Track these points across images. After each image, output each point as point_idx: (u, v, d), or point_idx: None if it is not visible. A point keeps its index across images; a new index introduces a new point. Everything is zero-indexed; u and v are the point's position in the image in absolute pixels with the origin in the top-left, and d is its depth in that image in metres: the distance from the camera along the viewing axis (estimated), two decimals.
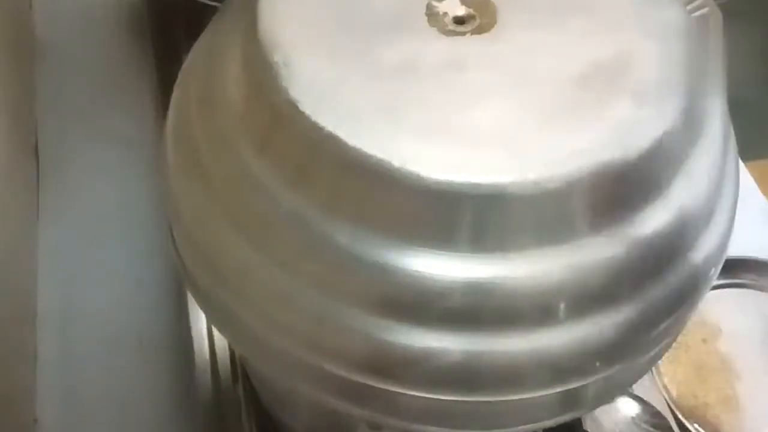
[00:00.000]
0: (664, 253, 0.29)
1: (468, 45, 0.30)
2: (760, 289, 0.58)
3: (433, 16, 0.31)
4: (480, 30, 0.30)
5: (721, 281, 0.56)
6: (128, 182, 0.65)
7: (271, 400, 0.46)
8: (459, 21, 0.31)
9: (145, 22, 0.73)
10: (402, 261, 0.27)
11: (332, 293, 0.28)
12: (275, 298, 0.29)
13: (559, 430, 0.34)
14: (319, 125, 0.27)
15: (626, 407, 0.42)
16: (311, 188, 0.28)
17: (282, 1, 0.30)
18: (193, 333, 0.51)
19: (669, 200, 0.28)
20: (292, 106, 0.27)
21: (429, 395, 0.28)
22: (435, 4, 0.31)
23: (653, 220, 0.28)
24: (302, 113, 0.27)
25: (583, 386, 0.29)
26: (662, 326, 0.30)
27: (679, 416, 0.51)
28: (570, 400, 0.30)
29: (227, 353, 0.50)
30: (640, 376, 0.33)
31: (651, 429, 0.42)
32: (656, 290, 0.29)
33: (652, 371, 0.51)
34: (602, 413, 0.40)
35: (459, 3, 0.31)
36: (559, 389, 0.29)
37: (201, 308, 0.33)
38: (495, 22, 0.31)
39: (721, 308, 0.56)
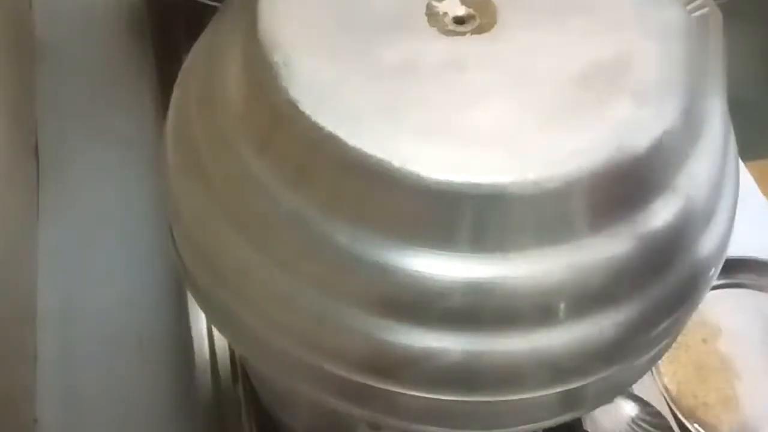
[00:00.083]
0: (664, 253, 0.29)
1: (468, 45, 0.30)
2: (760, 289, 0.58)
3: (433, 16, 0.31)
4: (480, 30, 0.30)
5: (721, 281, 0.56)
6: (128, 182, 0.65)
7: (271, 400, 0.46)
8: (459, 21, 0.31)
9: (145, 22, 0.73)
10: (402, 261, 0.27)
11: (332, 293, 0.28)
12: (275, 298, 0.29)
13: (559, 430, 0.34)
14: (319, 125, 0.27)
15: (626, 407, 0.42)
16: (311, 188, 0.28)
17: (282, 1, 0.30)
18: (193, 333, 0.51)
19: (669, 200, 0.28)
20: (292, 106, 0.27)
21: (429, 395, 0.28)
22: (435, 4, 0.31)
23: (653, 220, 0.28)
24: (302, 113, 0.27)
25: (583, 386, 0.29)
26: (662, 326, 0.30)
27: (679, 416, 0.51)
28: (570, 400, 0.30)
29: (227, 353, 0.50)
30: (640, 376, 0.33)
31: (651, 429, 0.42)
32: (656, 290, 0.29)
33: (652, 371, 0.51)
34: (602, 413, 0.40)
35: (459, 3, 0.31)
36: (559, 389, 0.29)
37: (201, 308, 0.33)
38: (495, 22, 0.31)
39: (721, 308, 0.56)
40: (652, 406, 0.43)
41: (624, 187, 0.27)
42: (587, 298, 0.27)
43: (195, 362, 0.50)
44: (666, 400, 0.51)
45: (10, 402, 0.53)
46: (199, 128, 0.31)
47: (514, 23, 0.31)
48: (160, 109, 0.62)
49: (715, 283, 0.31)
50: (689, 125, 0.29)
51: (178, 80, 0.34)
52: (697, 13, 0.32)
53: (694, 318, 0.33)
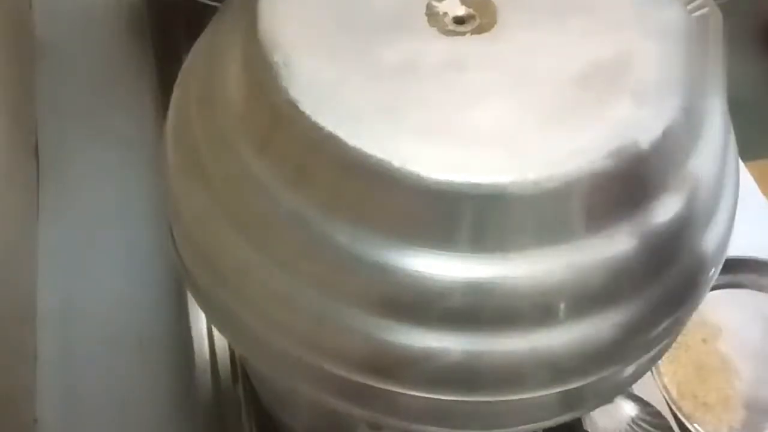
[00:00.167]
0: (664, 253, 0.29)
1: (468, 45, 0.30)
2: (760, 289, 0.58)
3: (433, 16, 0.31)
4: (480, 30, 0.30)
5: (721, 281, 0.55)
6: (128, 182, 0.65)
7: (271, 400, 0.46)
8: (459, 21, 0.31)
9: (145, 22, 0.73)
10: (402, 261, 0.27)
11: (332, 293, 0.28)
12: (275, 298, 0.29)
13: (559, 430, 0.34)
14: (319, 125, 0.27)
15: (626, 407, 0.42)
16: (311, 188, 0.28)
17: (282, 1, 0.30)
18: (193, 333, 0.51)
19: (669, 200, 0.28)
20: (292, 106, 0.27)
21: (429, 395, 0.28)
22: (435, 4, 0.31)
23: (653, 220, 0.28)
24: (302, 113, 0.27)
25: (583, 386, 0.29)
26: (662, 326, 0.30)
27: (679, 416, 0.51)
28: (570, 400, 0.30)
29: (227, 353, 0.50)
30: (640, 376, 0.33)
31: (651, 429, 0.42)
32: (656, 290, 0.29)
33: (652, 371, 0.51)
34: (602, 413, 0.40)
35: (459, 3, 0.31)
36: (559, 389, 0.29)
37: (201, 308, 0.33)
38: (495, 22, 0.31)
39: (721, 308, 0.56)
40: (652, 406, 0.43)
41: (624, 187, 0.27)
42: (587, 298, 0.27)
43: (195, 362, 0.50)
44: (666, 400, 0.51)
45: (10, 402, 0.53)
46: (199, 128, 0.31)
47: (514, 23, 0.31)
48: (160, 109, 0.62)
49: (715, 283, 0.31)
50: (689, 125, 0.29)
51: (178, 80, 0.34)
52: (697, 13, 0.32)
53: (694, 318, 0.33)
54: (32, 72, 0.72)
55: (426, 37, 0.30)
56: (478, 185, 0.26)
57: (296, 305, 0.28)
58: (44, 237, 0.63)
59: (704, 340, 0.55)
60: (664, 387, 0.52)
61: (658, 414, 0.43)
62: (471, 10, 0.31)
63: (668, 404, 0.51)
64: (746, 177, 0.60)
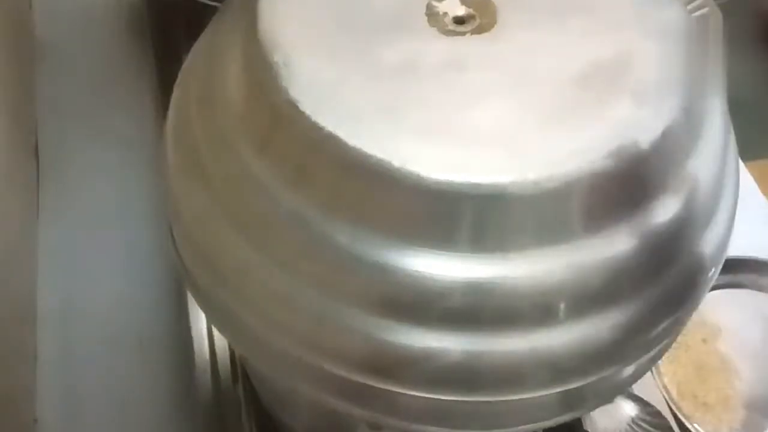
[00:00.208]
0: (664, 253, 0.29)
1: (468, 45, 0.30)
2: (760, 289, 0.58)
3: (433, 16, 0.31)
4: (480, 30, 0.30)
5: (721, 281, 0.55)
6: (128, 182, 0.65)
7: (271, 400, 0.46)
8: (459, 21, 0.31)
9: (145, 22, 0.73)
10: (402, 261, 0.27)
11: (332, 293, 0.28)
12: (275, 298, 0.29)
13: (559, 430, 0.34)
14: (319, 125, 0.27)
15: (626, 407, 0.42)
16: (311, 188, 0.28)
17: (282, 1, 0.30)
18: (193, 333, 0.51)
19: (669, 200, 0.28)
20: (292, 106, 0.27)
21: (429, 395, 0.28)
22: (435, 4, 0.31)
23: (653, 220, 0.28)
24: (302, 113, 0.27)
25: (583, 386, 0.29)
26: (662, 326, 0.30)
27: (679, 416, 0.51)
28: (570, 400, 0.30)
29: (227, 353, 0.50)
30: (640, 376, 0.33)
31: (651, 429, 0.42)
32: (656, 290, 0.29)
33: (652, 371, 0.51)
34: (602, 413, 0.40)
35: (459, 3, 0.31)
36: (559, 389, 0.29)
37: (201, 308, 0.33)
38: (495, 22, 0.31)
39: (721, 308, 0.56)
40: (652, 406, 0.43)
41: (624, 187, 0.27)
42: (587, 298, 0.27)
43: (195, 362, 0.50)
44: (666, 400, 0.51)
45: (10, 402, 0.53)
46: (199, 128, 0.31)
47: (514, 23, 0.31)
48: (160, 109, 0.62)
49: (715, 283, 0.31)
50: (689, 125, 0.29)
51: (178, 80, 0.34)
52: (697, 13, 0.32)
53: (694, 318, 0.33)
54: (32, 72, 0.72)
55: (426, 37, 0.30)
56: (478, 185, 0.26)
57: (296, 305, 0.28)
58: (44, 237, 0.63)
59: (704, 340, 0.55)
60: (664, 387, 0.52)
61: (658, 414, 0.43)
62: (471, 10, 0.31)
63: (668, 404, 0.51)
64: (746, 177, 0.60)
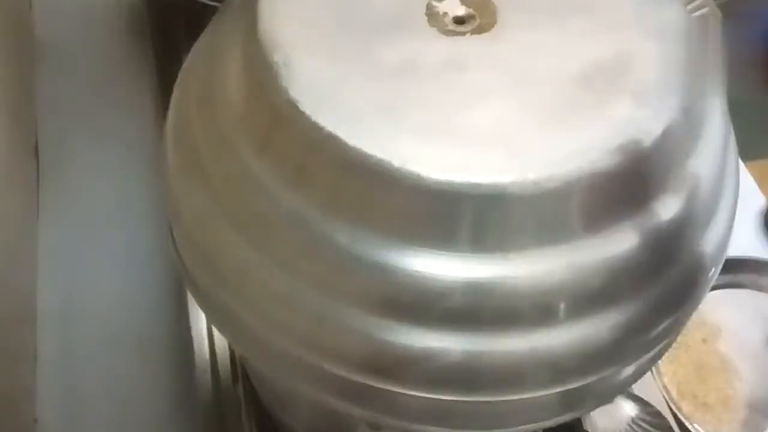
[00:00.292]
0: (664, 253, 0.29)
1: (468, 45, 0.30)
2: (760, 289, 0.58)
3: (433, 16, 0.31)
4: (480, 30, 0.30)
5: (721, 281, 0.56)
6: (128, 182, 0.65)
7: (271, 400, 0.46)
8: (459, 21, 0.31)
9: (145, 22, 0.73)
10: (402, 261, 0.27)
11: (332, 293, 0.28)
12: (275, 298, 0.29)
13: (559, 430, 0.34)
14: (319, 125, 0.27)
15: (626, 407, 0.42)
16: (311, 188, 0.28)
17: (282, 1, 0.30)
18: (193, 333, 0.51)
19: (669, 200, 0.28)
20: (292, 106, 0.27)
21: (429, 395, 0.28)
22: (435, 4, 0.31)
23: (653, 220, 0.28)
24: (302, 113, 0.27)
25: (583, 386, 0.29)
26: (662, 326, 0.30)
27: (679, 416, 0.51)
28: (570, 400, 0.30)
29: (227, 353, 0.50)
30: (640, 376, 0.33)
31: (651, 429, 0.42)
32: (656, 290, 0.29)
33: (652, 371, 0.51)
34: (602, 413, 0.40)
35: (459, 3, 0.31)
36: (559, 389, 0.29)
37: (201, 308, 0.33)
38: (495, 22, 0.31)
39: (721, 308, 0.56)
40: (652, 406, 0.43)
41: (624, 187, 0.27)
42: (587, 298, 0.27)
43: (195, 362, 0.50)
44: (666, 400, 0.51)
45: (10, 402, 0.53)
46: (199, 128, 0.31)
47: (514, 23, 0.31)
48: (160, 109, 0.62)
49: (715, 283, 0.31)
50: (689, 125, 0.29)
51: (178, 80, 0.34)
52: (697, 13, 0.32)
53: (694, 318, 0.33)
54: (32, 72, 0.72)
55: (426, 37, 0.30)
56: (478, 185, 0.26)
57: (296, 305, 0.28)
58: (44, 237, 0.63)
59: (704, 340, 0.55)
60: (664, 387, 0.52)
61: (658, 414, 0.43)
62: (471, 10, 0.31)
63: (668, 404, 0.51)
64: (746, 177, 0.60)
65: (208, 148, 0.30)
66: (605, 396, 0.32)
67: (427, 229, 0.27)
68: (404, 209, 0.27)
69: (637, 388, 0.43)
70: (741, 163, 0.34)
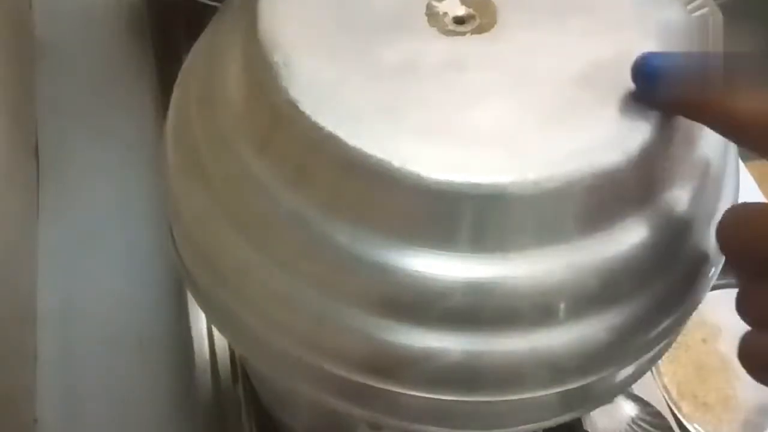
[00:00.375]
0: (665, 253, 0.29)
1: (468, 45, 0.30)
2: None
3: (433, 16, 0.31)
4: (480, 30, 0.30)
5: (721, 281, 0.55)
6: (128, 182, 0.65)
7: (271, 400, 0.46)
8: (459, 21, 0.31)
9: (145, 22, 0.73)
10: (402, 261, 0.27)
11: (332, 293, 0.28)
12: (275, 298, 0.29)
13: (559, 430, 0.34)
14: (319, 125, 0.27)
15: (626, 407, 0.42)
16: (311, 188, 0.28)
17: (282, 1, 0.30)
18: (193, 333, 0.51)
19: (669, 200, 0.28)
20: (292, 106, 0.27)
21: (429, 395, 0.28)
22: (435, 4, 0.31)
23: (653, 219, 0.28)
24: (302, 113, 0.27)
25: (583, 386, 0.29)
26: (662, 326, 0.30)
27: (679, 416, 0.51)
28: (570, 400, 0.30)
29: (227, 353, 0.50)
30: (640, 376, 0.33)
31: (651, 429, 0.42)
32: (656, 290, 0.29)
33: (652, 371, 0.51)
34: (602, 413, 0.40)
35: (459, 3, 0.31)
36: (559, 389, 0.29)
37: (201, 308, 0.33)
38: (495, 22, 0.31)
39: (721, 308, 0.56)
40: (652, 406, 0.43)
41: (624, 187, 0.27)
42: (587, 298, 0.27)
43: (195, 362, 0.50)
44: (666, 400, 0.51)
45: (10, 402, 0.53)
46: (199, 128, 0.31)
47: (514, 23, 0.31)
48: (160, 109, 0.62)
49: (715, 283, 0.31)
50: (689, 125, 0.29)
51: (178, 80, 0.34)
52: (697, 13, 0.32)
53: (694, 318, 0.33)
54: (32, 72, 0.72)
55: (426, 37, 0.30)
56: (478, 185, 0.26)
57: (296, 305, 0.28)
58: (44, 237, 0.63)
59: (704, 340, 0.55)
60: (664, 387, 0.52)
61: (658, 414, 0.43)
62: (471, 10, 0.31)
63: (668, 404, 0.51)
64: (746, 177, 0.60)
65: (208, 148, 0.30)
66: (605, 396, 0.32)
67: (427, 229, 0.27)
68: (404, 209, 0.27)
69: (637, 388, 0.43)
70: (741, 163, 0.34)
